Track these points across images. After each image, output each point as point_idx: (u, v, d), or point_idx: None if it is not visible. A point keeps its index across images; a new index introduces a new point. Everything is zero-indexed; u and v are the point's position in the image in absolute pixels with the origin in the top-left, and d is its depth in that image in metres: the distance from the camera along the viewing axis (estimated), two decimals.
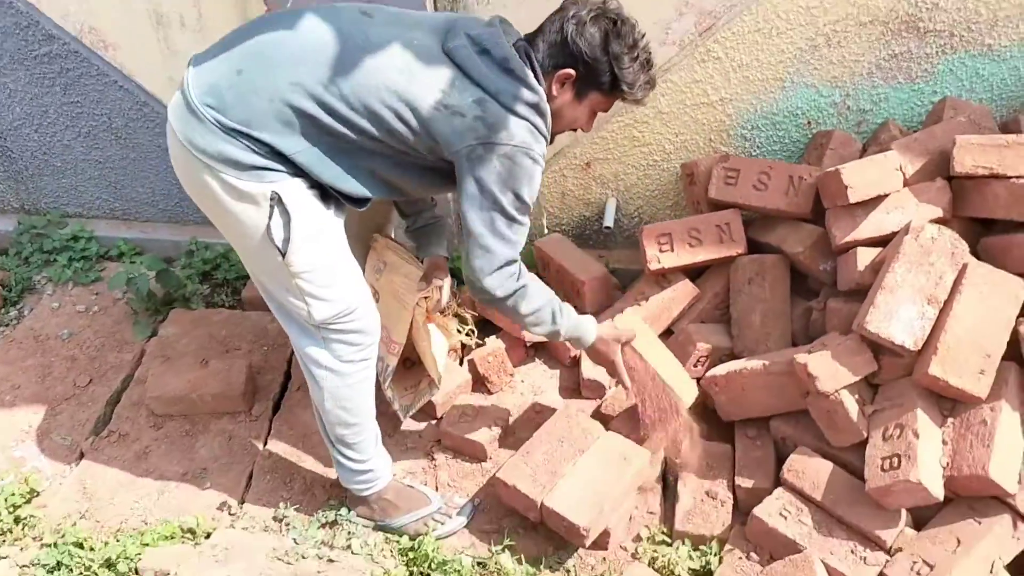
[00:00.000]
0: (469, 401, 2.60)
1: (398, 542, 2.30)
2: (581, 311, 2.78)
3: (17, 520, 2.37)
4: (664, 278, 2.66)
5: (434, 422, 2.61)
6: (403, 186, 2.00)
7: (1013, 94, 2.57)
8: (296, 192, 1.86)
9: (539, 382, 2.73)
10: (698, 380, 2.53)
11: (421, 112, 1.81)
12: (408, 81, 1.81)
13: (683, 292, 2.64)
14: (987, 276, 2.05)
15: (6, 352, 2.94)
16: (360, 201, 1.98)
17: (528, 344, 2.77)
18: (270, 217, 1.85)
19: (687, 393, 2.39)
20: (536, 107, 1.87)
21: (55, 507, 2.43)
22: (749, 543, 2.19)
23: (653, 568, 2.20)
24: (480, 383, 2.69)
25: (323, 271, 1.95)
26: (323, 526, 2.34)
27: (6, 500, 2.38)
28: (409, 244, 2.46)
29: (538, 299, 2.06)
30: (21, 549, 2.31)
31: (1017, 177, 2.14)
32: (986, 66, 2.52)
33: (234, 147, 1.79)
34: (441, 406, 2.60)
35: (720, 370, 2.39)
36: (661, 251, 2.58)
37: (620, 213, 2.97)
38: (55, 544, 2.27)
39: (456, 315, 2.57)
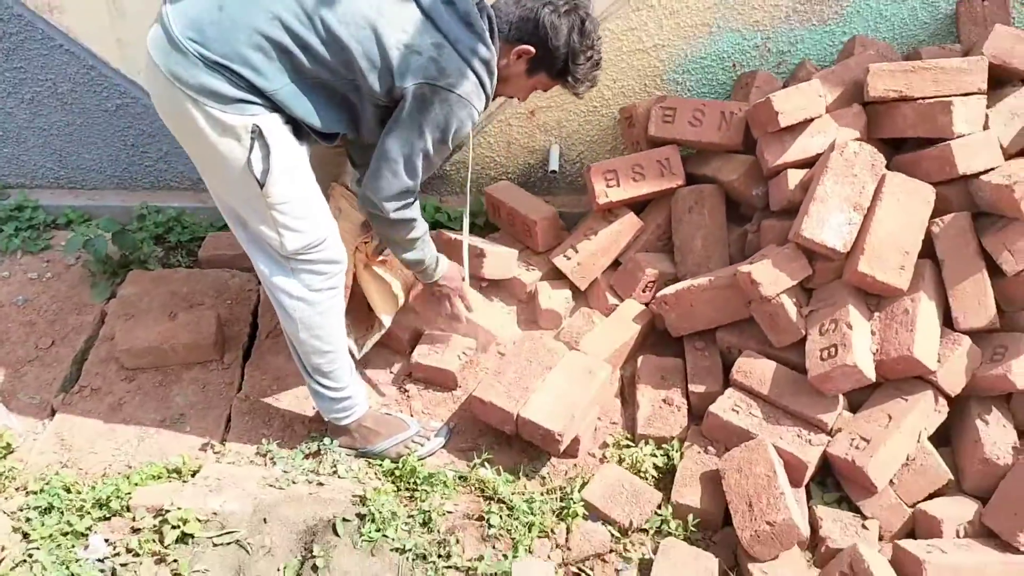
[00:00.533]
0: (436, 336, 2.73)
1: (381, 465, 2.43)
2: (534, 250, 2.98)
3: None
4: (611, 213, 2.86)
5: (401, 357, 2.75)
6: (363, 126, 2.11)
7: (912, 32, 2.87)
8: (274, 126, 1.97)
9: (497, 315, 2.89)
10: (647, 304, 2.74)
11: (384, 47, 1.94)
12: (377, 16, 1.94)
13: (629, 224, 2.85)
14: (903, 184, 2.32)
15: None
16: (329, 136, 2.10)
17: (485, 284, 2.92)
18: (251, 149, 1.94)
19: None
20: (487, 64, 2.03)
21: (34, 460, 2.46)
22: (705, 439, 2.41)
23: (621, 467, 2.39)
24: None
25: (298, 203, 2.06)
26: (308, 456, 2.45)
27: None
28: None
29: (419, 231, 2.25)
30: (6, 499, 2.33)
31: (923, 98, 2.42)
32: (888, 7, 2.81)
33: (217, 80, 1.87)
34: (408, 342, 2.74)
35: (669, 290, 2.60)
36: (608, 186, 2.78)
37: (563, 159, 3.16)
38: (42, 490, 2.30)
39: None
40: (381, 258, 2.56)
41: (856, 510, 2.25)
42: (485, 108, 2.10)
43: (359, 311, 2.62)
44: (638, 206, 2.91)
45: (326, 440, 2.45)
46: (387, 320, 2.56)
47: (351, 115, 2.09)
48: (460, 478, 2.39)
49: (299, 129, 2.05)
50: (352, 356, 2.49)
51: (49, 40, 2.92)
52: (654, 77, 2.97)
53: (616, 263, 2.89)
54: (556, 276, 2.91)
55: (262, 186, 1.98)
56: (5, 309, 2.96)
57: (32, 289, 3.04)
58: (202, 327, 2.73)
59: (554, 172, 3.07)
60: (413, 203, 2.19)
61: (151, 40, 1.93)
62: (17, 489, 2.37)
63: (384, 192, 2.10)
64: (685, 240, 2.77)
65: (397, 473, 2.37)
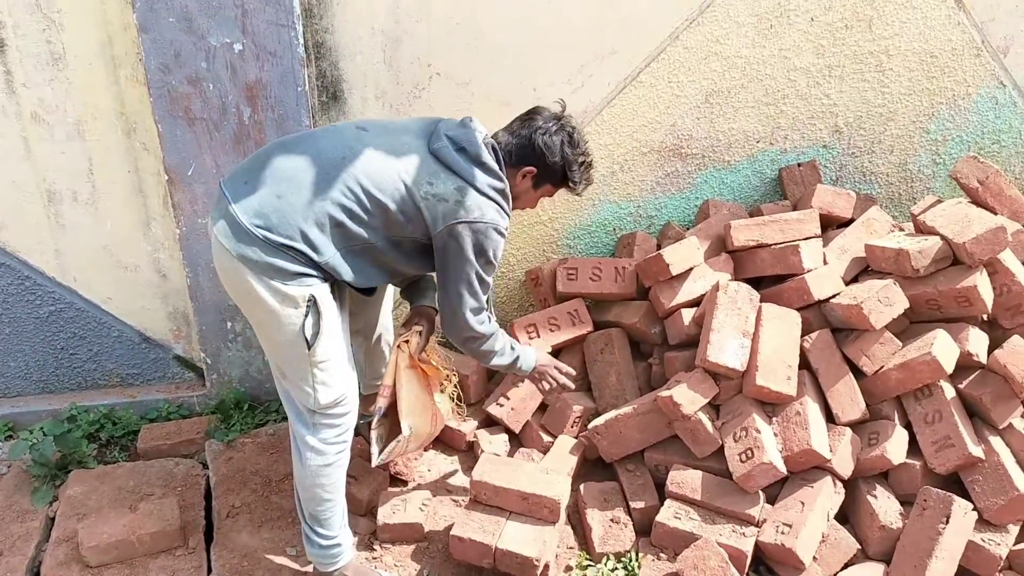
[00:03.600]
0: (393, 494, 2.95)
1: None
2: (467, 402, 3.32)
3: None
4: None
5: (362, 518, 2.93)
6: (405, 270, 2.51)
7: (747, 194, 3.58)
8: (325, 294, 2.32)
9: (443, 467, 3.16)
10: (577, 437, 3.12)
11: (416, 201, 2.31)
12: (405, 176, 2.32)
13: None
14: (776, 312, 2.89)
15: None
16: (370, 291, 2.52)
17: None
18: (306, 315, 2.29)
19: None
20: (502, 192, 2.43)
21: None
22: (655, 547, 2.76)
23: None
24: (394, 479, 3.07)
25: (335, 361, 2.39)
26: None
27: None
28: (399, 298, 2.84)
29: (500, 342, 2.64)
30: None
31: (776, 244, 3.06)
32: (728, 176, 3.51)
33: (280, 259, 2.23)
34: (367, 503, 2.94)
35: (599, 420, 3.00)
36: (530, 338, 3.19)
37: None
38: None
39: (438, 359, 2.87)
40: (437, 364, 2.79)
41: None
42: (508, 221, 2.47)
43: (392, 417, 2.75)
44: (554, 353, 3.32)
45: None
46: (406, 427, 2.68)
47: (387, 269, 2.46)
48: None
49: (340, 289, 2.41)
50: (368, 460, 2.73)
51: None
52: (550, 243, 3.49)
53: (543, 405, 3.27)
54: (490, 423, 3.24)
55: (310, 347, 2.30)
56: None
57: None
58: (166, 514, 2.80)
59: None
60: (486, 320, 2.53)
61: (219, 231, 2.26)
62: None
63: (459, 313, 2.45)
64: (601, 377, 3.21)
65: None
